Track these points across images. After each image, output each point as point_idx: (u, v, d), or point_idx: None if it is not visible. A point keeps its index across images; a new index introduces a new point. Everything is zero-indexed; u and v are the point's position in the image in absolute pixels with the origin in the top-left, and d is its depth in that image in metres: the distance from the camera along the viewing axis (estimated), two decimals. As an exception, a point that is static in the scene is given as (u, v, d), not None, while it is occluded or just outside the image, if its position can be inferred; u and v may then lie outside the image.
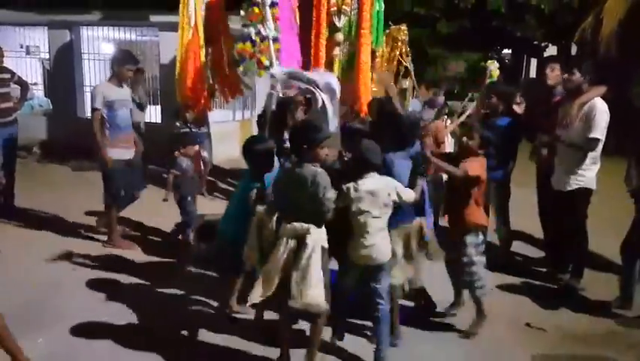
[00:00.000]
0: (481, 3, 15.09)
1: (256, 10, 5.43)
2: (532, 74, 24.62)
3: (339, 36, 5.76)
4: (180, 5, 5.94)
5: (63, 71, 10.44)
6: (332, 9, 5.74)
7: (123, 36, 10.81)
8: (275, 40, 5.43)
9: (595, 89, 4.32)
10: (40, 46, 10.88)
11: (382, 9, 5.86)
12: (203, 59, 6.04)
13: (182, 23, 6.04)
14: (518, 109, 5.18)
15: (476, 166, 3.69)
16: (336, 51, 5.78)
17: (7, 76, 6.13)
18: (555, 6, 14.41)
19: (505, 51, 21.30)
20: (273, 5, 5.48)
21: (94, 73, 10.61)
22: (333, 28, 5.77)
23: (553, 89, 4.90)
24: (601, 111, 4.20)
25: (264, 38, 5.43)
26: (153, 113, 10.44)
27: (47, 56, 10.73)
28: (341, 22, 5.75)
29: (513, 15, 14.90)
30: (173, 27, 9.44)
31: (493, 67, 7.16)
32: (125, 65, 5.12)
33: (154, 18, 9.79)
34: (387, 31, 9.01)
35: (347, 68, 5.79)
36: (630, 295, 4.21)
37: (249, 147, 3.59)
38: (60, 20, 10.24)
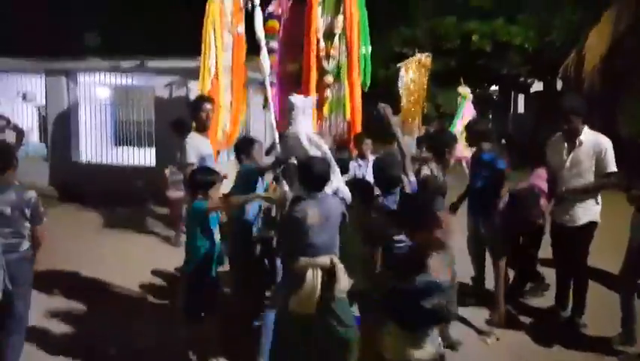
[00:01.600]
0: (466, 43, 15.54)
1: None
2: (520, 109, 25.14)
3: (329, 78, 5.95)
4: (202, 55, 6.07)
5: (59, 116, 10.61)
6: (321, 53, 5.99)
7: (119, 81, 11.05)
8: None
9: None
10: (36, 92, 11.04)
11: (369, 52, 6.01)
12: (223, 104, 6.18)
13: (203, 72, 6.13)
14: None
15: None
16: (327, 93, 5.97)
17: (2, 123, 6.25)
18: (538, 44, 14.85)
19: (493, 88, 21.76)
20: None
21: (90, 118, 10.79)
22: (322, 71, 5.99)
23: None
24: (608, 142, 4.33)
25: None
26: (147, 156, 10.59)
27: (44, 103, 10.91)
28: (330, 65, 5.96)
29: (497, 53, 15.32)
30: (167, 72, 9.81)
31: (462, 90, 7.51)
32: (205, 106, 4.81)
33: (149, 63, 10.02)
34: (417, 57, 9.44)
35: (336, 108, 5.95)
36: (632, 331, 4.17)
37: None
38: (57, 67, 10.47)
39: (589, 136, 4.37)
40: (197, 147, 4.54)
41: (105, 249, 6.90)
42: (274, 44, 6.46)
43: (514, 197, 4.81)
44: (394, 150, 4.00)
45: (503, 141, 10.14)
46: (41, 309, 4.69)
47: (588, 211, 4.40)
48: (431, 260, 2.69)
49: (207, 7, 6.08)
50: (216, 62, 6.13)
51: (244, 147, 4.83)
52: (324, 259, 3.13)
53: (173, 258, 5.98)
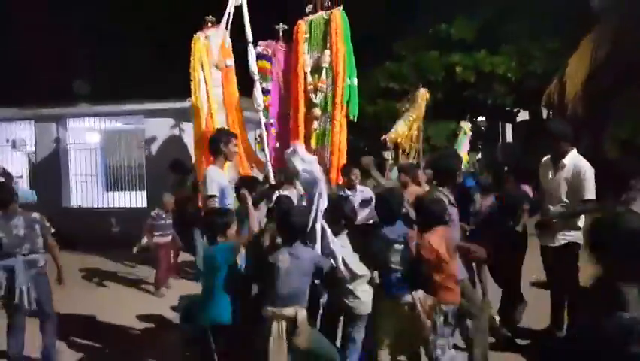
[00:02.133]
0: (450, 75, 15.84)
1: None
2: (509, 138, 25.43)
3: (317, 111, 6.05)
4: (192, 95, 6.15)
5: (49, 162, 10.62)
6: (309, 87, 6.11)
7: (109, 126, 11.13)
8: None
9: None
10: (26, 139, 11.07)
11: (355, 84, 6.11)
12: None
13: (197, 111, 6.21)
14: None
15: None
16: (315, 125, 6.05)
17: None
18: (521, 73, 15.18)
19: (480, 118, 22.02)
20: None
21: (79, 163, 10.80)
22: (310, 104, 6.10)
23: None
24: (588, 169, 4.35)
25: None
26: (139, 199, 10.57)
27: (33, 149, 10.93)
28: (318, 98, 6.07)
29: (482, 84, 15.60)
30: (158, 114, 9.89)
31: (465, 125, 7.75)
32: (230, 141, 4.82)
33: (139, 106, 10.12)
34: (418, 92, 9.81)
35: (322, 140, 6.03)
36: None
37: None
38: (46, 114, 10.55)
39: (572, 160, 4.44)
40: (217, 179, 4.55)
41: (98, 294, 6.87)
42: (267, 85, 6.60)
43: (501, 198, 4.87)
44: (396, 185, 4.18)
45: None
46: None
47: (567, 233, 4.44)
48: None
49: (192, 45, 6.20)
50: (208, 100, 6.19)
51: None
52: (290, 310, 3.16)
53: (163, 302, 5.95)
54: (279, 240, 3.58)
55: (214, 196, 4.43)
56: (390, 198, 3.88)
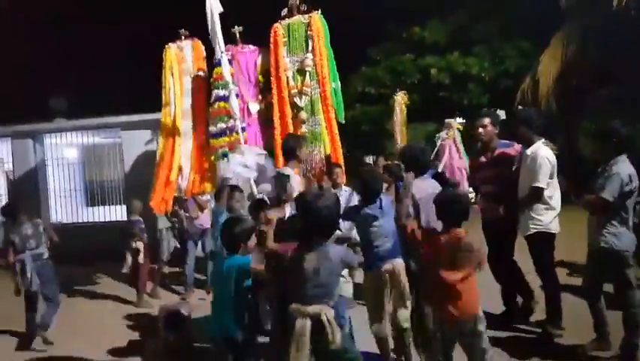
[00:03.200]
0: (425, 78, 16.02)
1: (221, 105, 5.98)
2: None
3: (303, 114, 6.06)
4: (163, 101, 6.26)
5: (27, 178, 10.45)
6: (292, 90, 6.13)
7: (87, 140, 10.99)
8: (243, 129, 5.99)
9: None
10: (3, 157, 10.88)
11: (339, 87, 6.19)
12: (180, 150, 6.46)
13: (164, 117, 6.35)
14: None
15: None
16: (303, 128, 6.06)
17: None
18: (495, 73, 15.44)
19: (460, 120, 22.18)
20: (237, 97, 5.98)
21: (57, 178, 10.65)
22: (296, 108, 6.11)
23: (489, 144, 4.99)
24: (542, 158, 4.38)
25: (232, 130, 5.90)
26: (119, 212, 10.46)
27: (11, 167, 10.74)
28: (302, 101, 6.08)
29: (457, 85, 15.82)
30: (133, 126, 9.82)
31: (455, 123, 7.83)
32: (303, 145, 5.11)
33: (115, 119, 10.04)
34: (396, 98, 9.86)
35: (312, 142, 6.03)
36: (605, 335, 4.11)
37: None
38: (22, 130, 10.38)
39: (534, 148, 4.48)
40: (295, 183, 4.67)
41: (79, 309, 6.82)
42: (222, 92, 6.45)
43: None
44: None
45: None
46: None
47: (532, 222, 4.48)
48: None
49: (164, 54, 6.45)
50: (175, 107, 6.47)
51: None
52: (315, 308, 3.01)
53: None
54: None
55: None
56: (369, 177, 4.02)
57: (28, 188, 10.42)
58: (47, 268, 5.53)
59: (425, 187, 3.98)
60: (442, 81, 15.79)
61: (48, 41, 17.05)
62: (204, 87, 6.48)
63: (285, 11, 6.30)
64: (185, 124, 6.50)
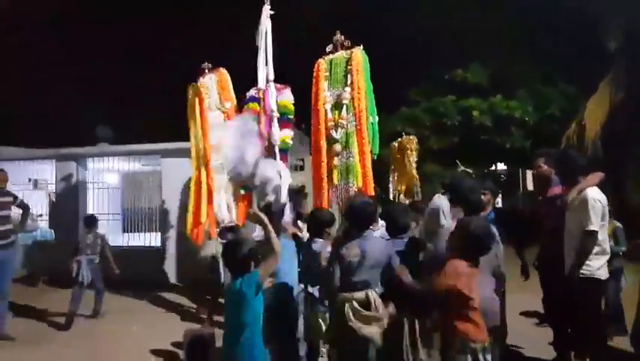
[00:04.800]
0: (467, 119, 15.86)
1: (251, 105, 6.16)
2: (530, 186, 24.96)
3: (337, 147, 6.03)
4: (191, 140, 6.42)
5: (67, 201, 10.67)
6: (329, 123, 6.12)
7: (127, 166, 11.23)
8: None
9: (591, 176, 4.32)
10: (47, 179, 11.20)
11: (377, 121, 6.16)
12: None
13: (195, 155, 6.54)
14: None
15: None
16: (336, 161, 6.02)
17: (9, 199, 6.32)
18: (538, 117, 15.18)
19: (501, 167, 21.74)
20: None
21: (97, 202, 10.86)
22: (331, 140, 6.09)
23: (548, 183, 4.89)
24: (593, 199, 4.13)
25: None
26: (153, 239, 10.57)
27: (53, 189, 11.03)
28: (338, 133, 6.06)
29: (499, 128, 15.59)
30: (173, 154, 9.96)
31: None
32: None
33: (155, 146, 10.22)
34: (398, 140, 9.64)
35: (345, 175, 5.97)
36: None
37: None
38: (67, 153, 10.68)
39: (586, 192, 4.21)
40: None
41: (107, 330, 6.85)
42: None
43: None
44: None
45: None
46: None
47: (585, 266, 4.20)
48: None
49: (189, 93, 6.66)
50: (204, 143, 6.62)
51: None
52: (360, 294, 3.41)
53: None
54: None
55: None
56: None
57: (69, 209, 10.63)
58: (97, 270, 7.21)
59: None
60: (484, 123, 15.62)
61: (96, 71, 17.84)
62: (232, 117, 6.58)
63: (330, 47, 6.39)
64: (215, 158, 6.61)
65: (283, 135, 6.15)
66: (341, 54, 6.26)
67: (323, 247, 4.29)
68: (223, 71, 6.66)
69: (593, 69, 12.27)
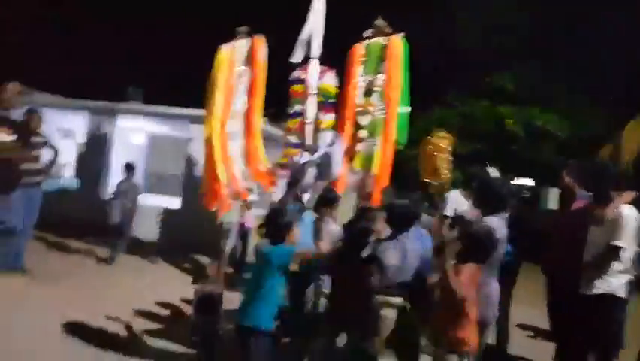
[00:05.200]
0: (500, 127, 15.55)
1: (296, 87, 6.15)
2: (551, 205, 24.34)
3: (362, 133, 6.00)
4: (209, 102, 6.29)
5: (95, 154, 10.89)
6: (358, 108, 6.08)
7: (155, 128, 11.36)
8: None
9: (627, 193, 4.20)
10: (76, 130, 11.40)
11: (408, 111, 6.08)
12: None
13: (209, 118, 6.32)
14: None
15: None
16: (358, 146, 6.00)
17: (41, 141, 6.46)
18: (573, 133, 14.82)
19: (524, 182, 21.18)
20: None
21: (124, 159, 11.01)
22: (357, 126, 6.06)
23: (572, 196, 4.79)
24: (628, 217, 4.00)
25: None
26: (173, 203, 10.69)
27: (82, 140, 11.23)
28: (365, 120, 6.03)
29: (531, 140, 15.26)
30: (202, 121, 10.00)
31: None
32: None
33: (186, 111, 10.29)
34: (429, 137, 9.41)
35: (366, 162, 5.94)
36: None
37: None
38: (100, 107, 10.85)
39: (621, 208, 4.06)
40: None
41: (121, 283, 6.95)
42: (298, 107, 6.39)
43: None
44: None
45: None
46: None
47: (599, 281, 4.10)
48: None
49: (216, 56, 6.33)
50: (224, 108, 6.29)
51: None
52: (398, 300, 3.40)
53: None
54: None
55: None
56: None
57: (95, 162, 10.86)
58: (128, 216, 8.05)
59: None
60: (516, 133, 15.30)
61: (135, 31, 18.02)
62: (258, 90, 6.34)
63: (368, 32, 6.30)
64: (233, 124, 6.34)
65: (328, 120, 6.10)
66: (378, 40, 6.18)
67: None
68: (260, 38, 6.37)
69: (635, 93, 11.94)
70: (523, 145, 15.42)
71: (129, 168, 8.37)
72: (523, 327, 6.43)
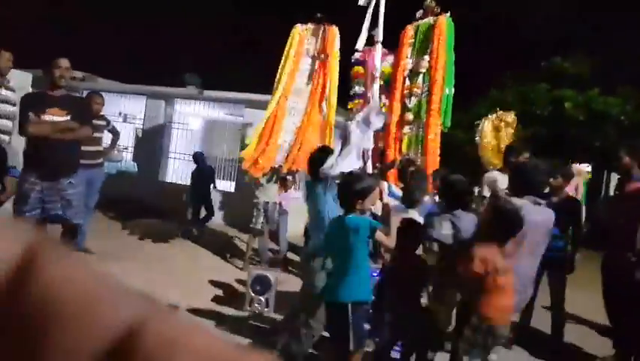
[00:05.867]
0: (559, 110, 15.05)
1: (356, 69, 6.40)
2: (612, 191, 23.40)
3: (409, 115, 6.02)
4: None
5: (153, 138, 11.33)
6: (405, 91, 6.09)
7: (212, 113, 11.70)
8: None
9: None
10: (136, 115, 11.87)
11: (452, 93, 6.01)
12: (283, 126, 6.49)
13: (275, 93, 6.51)
14: None
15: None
16: (406, 129, 6.01)
17: (103, 123, 6.69)
18: (637, 117, 14.16)
19: (587, 167, 20.40)
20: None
21: (181, 143, 11.44)
22: (404, 108, 6.08)
23: (629, 177, 4.57)
24: None
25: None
26: (227, 187, 11.01)
27: (141, 125, 11.71)
28: (412, 102, 6.03)
29: (592, 124, 14.68)
30: (256, 105, 10.22)
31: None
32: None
33: (241, 95, 10.52)
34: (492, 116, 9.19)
35: (415, 145, 5.95)
36: None
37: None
38: (158, 91, 11.27)
39: None
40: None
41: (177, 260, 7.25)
42: (359, 89, 6.55)
43: None
44: None
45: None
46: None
47: None
48: None
49: (292, 30, 6.57)
50: (287, 82, 6.47)
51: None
52: None
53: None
54: None
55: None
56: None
57: (153, 147, 11.30)
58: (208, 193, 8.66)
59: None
60: (576, 117, 14.74)
61: (195, 20, 18.48)
62: (326, 73, 6.46)
63: (420, 13, 6.29)
64: (293, 101, 6.49)
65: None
66: (428, 20, 6.16)
67: None
68: (334, 27, 6.54)
69: None
70: (584, 129, 14.83)
71: (196, 156, 8.91)
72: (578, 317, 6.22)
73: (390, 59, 6.28)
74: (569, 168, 5.41)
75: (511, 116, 8.99)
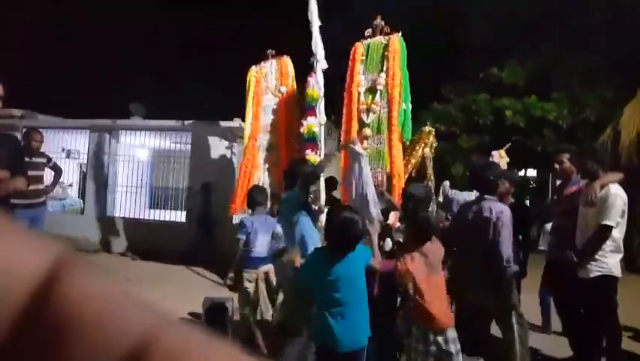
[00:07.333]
0: (499, 119, 15.58)
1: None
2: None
3: (367, 131, 6.05)
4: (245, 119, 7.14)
5: (98, 172, 10.89)
6: (362, 106, 6.13)
7: (157, 143, 11.38)
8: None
9: (613, 173, 4.27)
10: (79, 149, 11.41)
11: (410, 108, 6.14)
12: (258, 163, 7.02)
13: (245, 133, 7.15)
14: None
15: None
16: (365, 144, 6.02)
17: (43, 160, 6.41)
18: (573, 120, 14.83)
19: (531, 173, 21.17)
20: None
21: (127, 175, 11.04)
22: (362, 124, 6.11)
23: (568, 181, 4.79)
24: (614, 195, 4.05)
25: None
26: (178, 216, 10.71)
27: (85, 160, 11.25)
28: (369, 118, 6.07)
29: (532, 129, 15.26)
30: (204, 132, 10.05)
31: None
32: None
33: (186, 123, 10.32)
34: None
35: (375, 159, 5.97)
36: None
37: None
38: (100, 125, 10.88)
39: (609, 187, 4.12)
40: None
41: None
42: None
43: None
44: None
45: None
46: None
47: (596, 264, 4.13)
48: None
49: (248, 74, 7.19)
50: (252, 125, 7.03)
51: None
52: None
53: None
54: None
55: None
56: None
57: (99, 180, 10.85)
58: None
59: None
60: (517, 124, 15.30)
61: (136, 49, 18.15)
62: (288, 103, 6.99)
63: (369, 31, 6.41)
64: (263, 137, 7.04)
65: (308, 124, 6.25)
66: (379, 39, 6.29)
67: None
68: (286, 58, 7.11)
69: (634, 74, 11.93)
70: (525, 135, 15.40)
71: (206, 187, 9.36)
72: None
73: (312, 81, 6.40)
74: (514, 172, 5.57)
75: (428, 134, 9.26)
